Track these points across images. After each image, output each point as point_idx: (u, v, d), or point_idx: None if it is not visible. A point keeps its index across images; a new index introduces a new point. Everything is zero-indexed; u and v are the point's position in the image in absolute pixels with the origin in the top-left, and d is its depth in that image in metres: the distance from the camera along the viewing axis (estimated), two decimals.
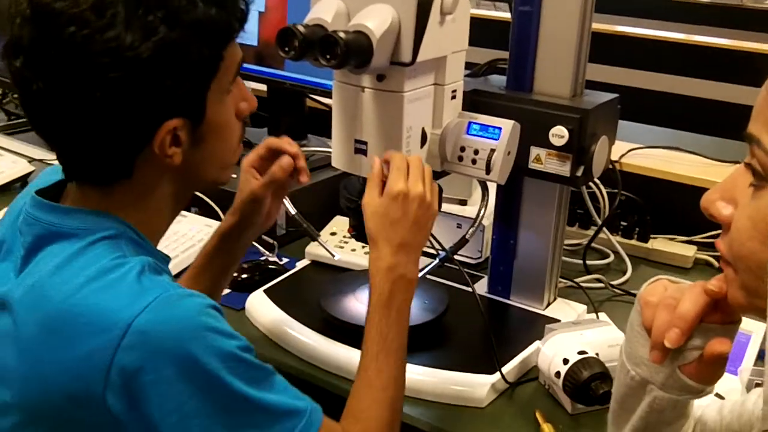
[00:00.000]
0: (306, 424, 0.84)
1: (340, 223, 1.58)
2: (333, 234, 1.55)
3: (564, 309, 1.36)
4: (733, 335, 0.76)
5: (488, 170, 1.13)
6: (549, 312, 1.35)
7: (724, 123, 3.50)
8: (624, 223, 1.68)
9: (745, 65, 3.59)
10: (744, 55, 3.64)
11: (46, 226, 0.87)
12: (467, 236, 1.25)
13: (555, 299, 1.38)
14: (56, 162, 0.91)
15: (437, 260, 1.27)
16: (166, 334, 0.77)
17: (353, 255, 1.48)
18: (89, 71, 0.79)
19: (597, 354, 1.13)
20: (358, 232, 1.17)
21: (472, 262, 1.56)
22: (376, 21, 1.00)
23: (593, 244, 1.67)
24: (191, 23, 0.82)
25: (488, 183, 1.24)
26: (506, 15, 1.34)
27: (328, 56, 0.96)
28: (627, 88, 3.38)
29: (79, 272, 0.82)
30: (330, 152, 1.16)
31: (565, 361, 1.12)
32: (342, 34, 0.96)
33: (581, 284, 1.46)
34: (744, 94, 3.50)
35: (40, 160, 1.95)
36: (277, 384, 0.85)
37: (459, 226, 1.56)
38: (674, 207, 1.74)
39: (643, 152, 1.79)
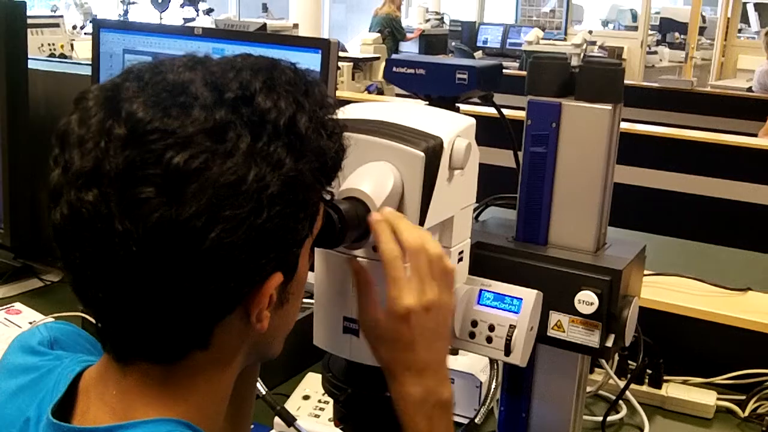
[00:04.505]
0: None
1: (314, 383, 1.35)
2: (306, 398, 1.32)
3: None
4: None
5: (508, 351, 0.92)
6: None
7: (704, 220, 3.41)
8: (632, 364, 1.49)
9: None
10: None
11: None
12: (476, 420, 1.04)
13: None
14: None
15: None
16: None
17: (333, 428, 1.25)
18: (199, 209, 0.60)
19: None
20: (349, 426, 0.95)
21: (465, 422, 1.34)
22: (372, 184, 0.81)
23: (600, 392, 1.48)
24: (316, 153, 0.68)
25: None
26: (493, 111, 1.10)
27: (322, 239, 0.75)
28: None
29: None
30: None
31: None
32: (338, 206, 0.76)
33: None
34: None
35: None
36: None
37: (451, 381, 1.34)
38: (684, 343, 1.56)
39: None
